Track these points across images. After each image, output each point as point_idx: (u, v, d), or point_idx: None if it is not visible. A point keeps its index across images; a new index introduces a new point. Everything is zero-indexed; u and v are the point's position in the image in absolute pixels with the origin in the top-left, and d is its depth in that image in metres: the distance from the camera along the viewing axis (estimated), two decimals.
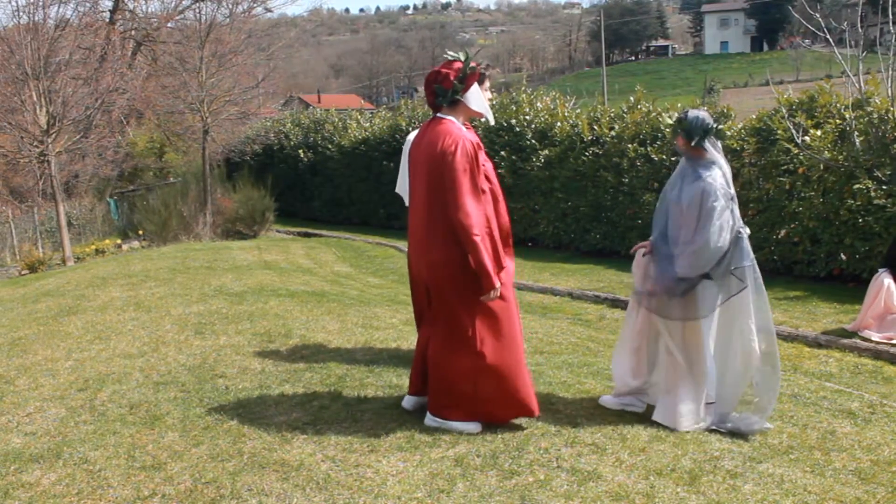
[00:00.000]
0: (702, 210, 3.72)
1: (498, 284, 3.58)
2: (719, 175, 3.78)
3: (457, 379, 3.71)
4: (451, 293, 3.65)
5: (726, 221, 3.74)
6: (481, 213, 3.59)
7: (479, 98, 3.77)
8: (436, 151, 3.60)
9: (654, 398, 4.05)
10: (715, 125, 3.86)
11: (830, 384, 4.87)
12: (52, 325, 6.34)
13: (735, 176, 9.22)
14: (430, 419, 3.83)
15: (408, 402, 4.06)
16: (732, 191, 3.84)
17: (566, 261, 10.76)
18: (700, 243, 3.72)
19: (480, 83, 3.81)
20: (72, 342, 5.69)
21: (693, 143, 3.84)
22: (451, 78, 3.67)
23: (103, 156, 19.23)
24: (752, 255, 3.81)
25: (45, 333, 6.04)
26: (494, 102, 13.48)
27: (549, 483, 3.20)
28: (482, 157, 4.46)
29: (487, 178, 4.65)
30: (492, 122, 4.13)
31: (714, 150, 3.86)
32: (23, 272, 12.87)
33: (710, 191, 3.71)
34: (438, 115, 3.76)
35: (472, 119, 3.89)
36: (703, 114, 3.88)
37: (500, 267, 3.65)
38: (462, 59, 3.73)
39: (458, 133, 3.62)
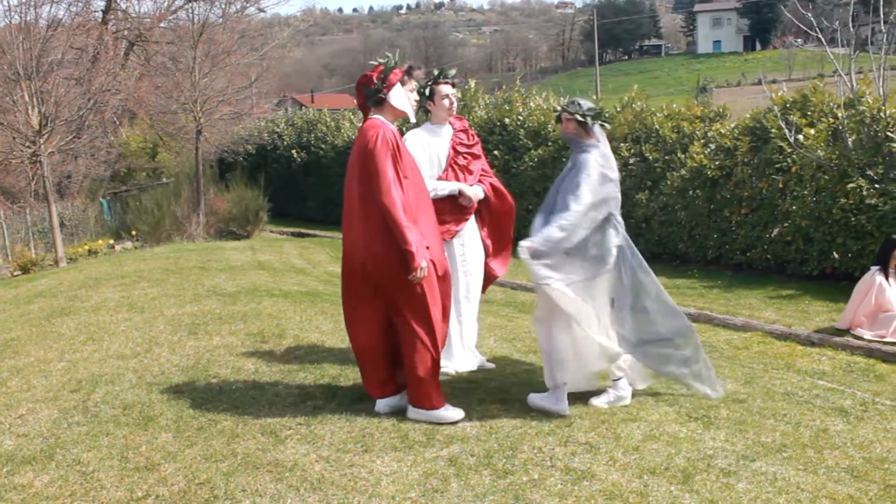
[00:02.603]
0: (578, 179, 3.94)
1: (424, 263, 3.75)
2: (598, 154, 4.02)
3: (432, 363, 3.86)
4: (403, 281, 3.78)
5: (597, 195, 3.92)
6: (404, 197, 3.80)
7: (400, 97, 3.99)
8: (362, 145, 3.83)
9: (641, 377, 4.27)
10: (604, 113, 4.17)
11: (823, 382, 4.89)
12: (44, 326, 6.31)
13: (728, 174, 9.26)
14: (412, 412, 3.90)
15: (381, 405, 4.05)
16: (614, 174, 4.05)
17: None
18: (572, 208, 3.89)
19: (403, 84, 4.02)
20: (64, 343, 5.66)
21: (586, 127, 4.07)
22: (374, 79, 3.93)
23: (96, 156, 19.15)
24: (618, 241, 4.01)
25: (38, 334, 6.01)
26: (487, 101, 13.59)
27: (543, 482, 3.21)
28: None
29: (486, 172, 4.79)
30: (412, 120, 4.28)
31: (600, 135, 4.12)
32: (15, 273, 12.79)
33: (586, 163, 3.95)
34: (367, 116, 4.00)
35: (397, 119, 4.06)
36: (590, 101, 4.22)
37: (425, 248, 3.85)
38: (384, 62, 3.99)
39: (380, 125, 3.86)
